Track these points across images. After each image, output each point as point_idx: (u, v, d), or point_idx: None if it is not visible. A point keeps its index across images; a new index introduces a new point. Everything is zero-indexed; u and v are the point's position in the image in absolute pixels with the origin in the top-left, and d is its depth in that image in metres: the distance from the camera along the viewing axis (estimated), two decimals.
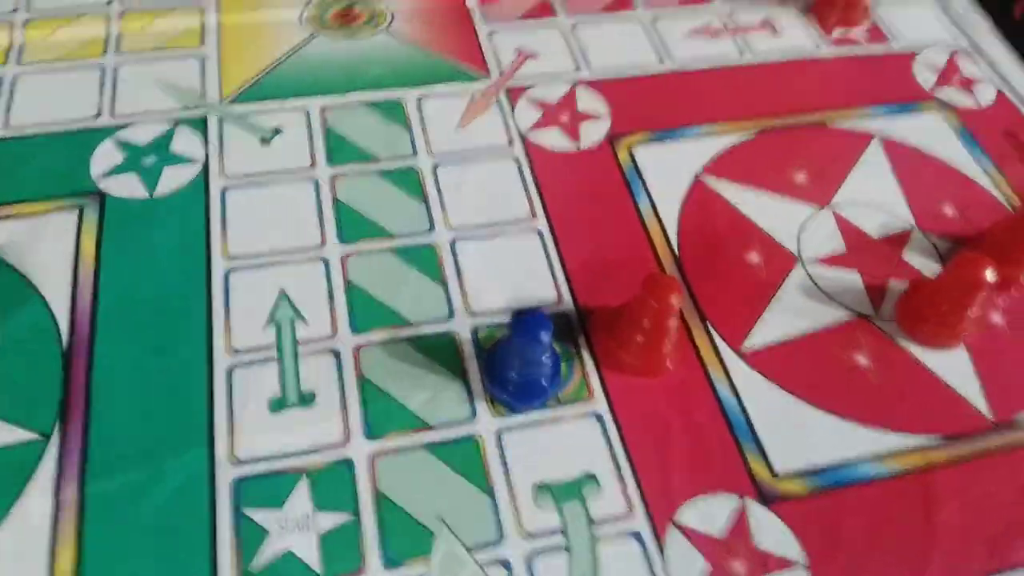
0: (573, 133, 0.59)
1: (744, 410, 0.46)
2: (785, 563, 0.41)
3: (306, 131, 0.57)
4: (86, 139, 0.55)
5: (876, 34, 0.69)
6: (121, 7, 0.63)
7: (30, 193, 0.52)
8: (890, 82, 0.66)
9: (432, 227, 0.52)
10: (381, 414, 0.44)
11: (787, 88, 0.64)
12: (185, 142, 0.55)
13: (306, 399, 0.44)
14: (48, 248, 0.49)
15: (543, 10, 0.68)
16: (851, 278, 0.52)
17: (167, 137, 0.55)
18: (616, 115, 0.60)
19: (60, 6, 0.63)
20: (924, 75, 0.66)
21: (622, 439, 0.44)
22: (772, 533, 0.42)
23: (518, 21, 0.67)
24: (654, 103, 0.62)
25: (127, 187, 0.53)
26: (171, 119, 0.56)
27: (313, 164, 0.55)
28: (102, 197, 0.52)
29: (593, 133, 0.59)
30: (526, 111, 0.60)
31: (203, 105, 0.58)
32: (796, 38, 0.68)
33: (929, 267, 0.53)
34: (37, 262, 0.49)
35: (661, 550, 0.41)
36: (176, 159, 0.54)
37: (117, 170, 0.53)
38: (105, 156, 0.54)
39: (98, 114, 0.56)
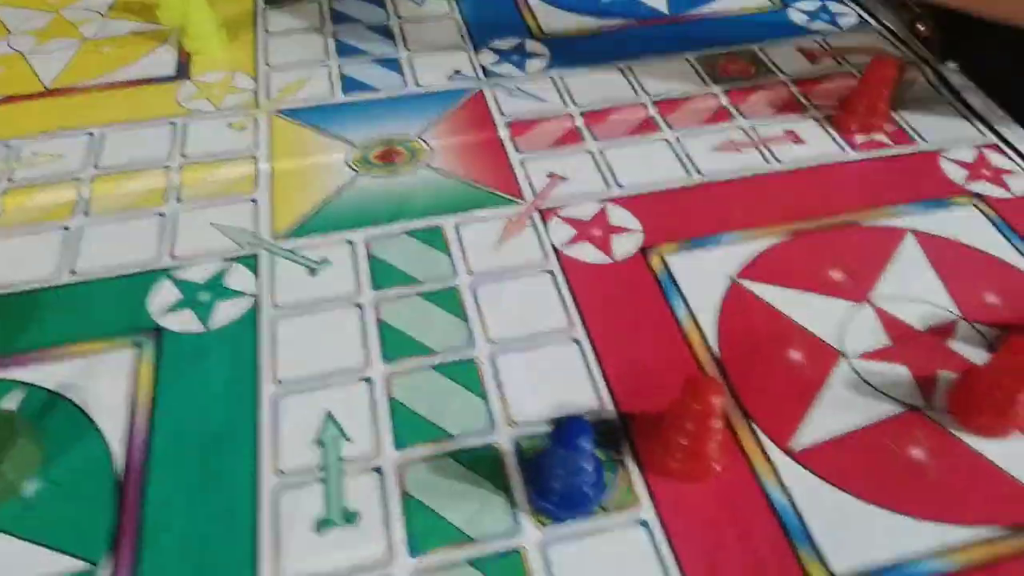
0: (606, 247, 0.61)
1: (797, 510, 0.44)
2: None
3: (351, 260, 0.60)
4: (145, 280, 0.58)
5: (900, 136, 0.71)
6: (181, 160, 0.69)
7: (91, 332, 0.55)
8: (920, 179, 0.66)
9: (472, 342, 0.54)
10: (424, 530, 0.44)
11: (816, 192, 0.65)
12: (238, 278, 0.59)
13: (350, 518, 0.45)
14: (107, 384, 0.52)
15: (571, 137, 0.71)
16: (899, 371, 0.51)
17: (221, 274, 0.59)
18: (648, 228, 0.62)
19: (125, 162, 0.69)
20: (953, 170, 0.67)
21: (672, 548, 0.43)
22: None
23: (548, 149, 0.70)
24: (685, 215, 0.63)
25: (183, 322, 0.55)
26: (225, 258, 0.60)
27: (358, 290, 0.57)
28: (159, 333, 0.55)
29: (626, 246, 0.61)
30: (559, 229, 0.62)
31: (256, 243, 0.61)
32: (821, 145, 0.70)
33: (979, 356, 0.52)
34: (96, 397, 0.51)
35: None
36: (229, 294, 0.57)
37: (174, 307, 0.56)
38: (162, 294, 0.57)
39: (157, 256, 0.60)
